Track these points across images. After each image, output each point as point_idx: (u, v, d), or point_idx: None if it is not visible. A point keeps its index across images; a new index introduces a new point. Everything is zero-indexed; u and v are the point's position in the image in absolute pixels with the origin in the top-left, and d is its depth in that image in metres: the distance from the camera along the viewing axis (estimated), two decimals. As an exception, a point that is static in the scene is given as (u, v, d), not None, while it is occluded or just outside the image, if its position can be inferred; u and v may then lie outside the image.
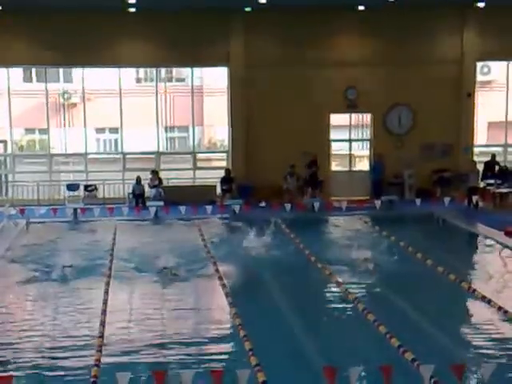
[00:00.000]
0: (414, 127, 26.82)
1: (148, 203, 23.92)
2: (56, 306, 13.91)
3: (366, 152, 27.94)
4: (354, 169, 28.13)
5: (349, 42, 26.42)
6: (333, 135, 27.11)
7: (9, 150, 26.59)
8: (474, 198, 23.17)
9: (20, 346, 11.41)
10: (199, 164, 27.52)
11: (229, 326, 12.59)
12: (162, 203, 23.48)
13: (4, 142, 26.72)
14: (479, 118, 28.05)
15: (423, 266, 16.62)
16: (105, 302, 13.40)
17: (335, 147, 27.58)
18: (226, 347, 11.68)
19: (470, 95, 26.77)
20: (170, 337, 11.98)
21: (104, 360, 10.49)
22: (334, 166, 27.82)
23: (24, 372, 10.34)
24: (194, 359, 10.91)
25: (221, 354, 11.29)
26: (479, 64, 27.68)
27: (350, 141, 27.75)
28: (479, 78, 27.89)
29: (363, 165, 28.34)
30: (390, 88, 26.15)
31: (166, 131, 29.13)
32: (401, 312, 13.08)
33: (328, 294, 14.68)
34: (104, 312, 12.74)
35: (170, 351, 11.38)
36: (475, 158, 26.49)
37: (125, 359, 10.95)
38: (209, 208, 21.60)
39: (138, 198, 24.58)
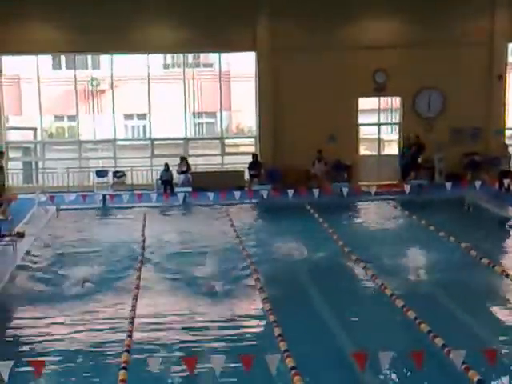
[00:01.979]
0: (444, 110, 26.47)
1: (176, 189, 23.96)
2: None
3: (395, 136, 27.64)
4: (383, 153, 27.86)
5: (377, 24, 26.08)
6: (361, 119, 26.87)
7: (38, 138, 26.78)
8: (506, 182, 22.80)
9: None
10: (227, 150, 27.45)
11: (259, 311, 12.56)
12: (190, 189, 23.51)
13: (34, 129, 26.90)
14: (510, 100, 27.58)
15: (455, 251, 16.42)
16: (135, 299, 13.42)
17: (364, 131, 27.33)
18: (256, 332, 11.68)
19: (501, 77, 26.33)
20: (201, 320, 12.04)
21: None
22: (363, 151, 27.59)
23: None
24: (223, 344, 10.97)
25: (251, 339, 11.31)
26: (510, 45, 27.16)
27: (378, 125, 27.49)
28: (510, 59, 27.38)
29: (392, 149, 28.05)
30: (419, 71, 25.78)
31: (194, 117, 29.09)
32: (432, 297, 12.93)
33: (356, 280, 14.56)
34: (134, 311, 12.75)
35: (200, 336, 11.47)
36: (506, 141, 26.09)
37: (156, 341, 11.06)
38: (237, 193, 21.53)
39: (167, 184, 24.62)
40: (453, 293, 13.11)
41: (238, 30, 25.61)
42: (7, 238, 17.63)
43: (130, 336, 10.95)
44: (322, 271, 14.46)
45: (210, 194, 21.25)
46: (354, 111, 26.47)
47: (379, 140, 27.70)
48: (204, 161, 27.06)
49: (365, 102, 26.87)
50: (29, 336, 11.52)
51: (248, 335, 11.54)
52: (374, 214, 22.37)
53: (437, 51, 25.80)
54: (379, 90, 26.43)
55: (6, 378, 8.97)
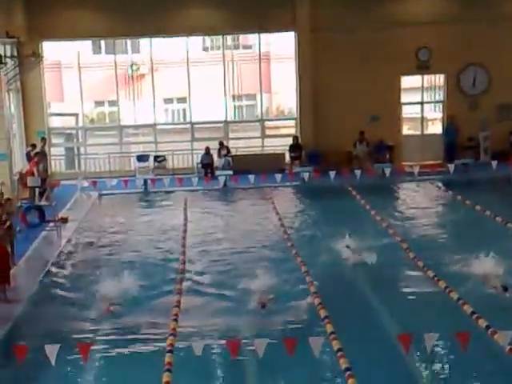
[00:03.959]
0: (489, 87, 25.82)
1: (217, 173, 23.89)
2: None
3: (439, 114, 27.11)
4: (427, 132, 27.33)
5: (419, 0, 25.56)
6: (404, 98, 26.38)
7: (80, 123, 26.90)
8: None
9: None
10: (267, 132, 27.22)
11: (305, 293, 12.42)
12: (230, 172, 23.40)
13: (75, 115, 27.04)
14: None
15: (501, 231, 16.07)
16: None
17: (407, 110, 26.84)
18: (301, 315, 11.54)
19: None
20: (243, 304, 11.95)
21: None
22: (406, 130, 27.11)
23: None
24: (265, 328, 10.88)
25: (295, 322, 11.16)
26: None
27: (422, 103, 26.96)
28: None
29: (436, 128, 27.53)
30: (463, 47, 25.15)
31: (234, 100, 28.91)
32: (477, 277, 12.62)
33: (400, 261, 14.28)
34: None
35: (240, 318, 11.38)
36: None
37: (198, 327, 11.03)
38: (278, 176, 21.38)
39: (207, 167, 24.55)
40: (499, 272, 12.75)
41: (278, 9, 25.25)
42: (51, 224, 17.80)
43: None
44: (367, 256, 14.10)
45: (251, 177, 21.14)
46: (397, 90, 25.98)
47: (422, 119, 27.17)
48: (244, 144, 26.90)
49: (408, 81, 26.36)
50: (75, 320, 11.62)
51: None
52: (418, 195, 22.02)
53: (481, 27, 25.13)
54: (422, 68, 25.90)
55: (53, 361, 9.03)
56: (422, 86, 26.68)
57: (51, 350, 9.11)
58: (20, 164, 22.79)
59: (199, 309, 11.95)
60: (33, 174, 20.39)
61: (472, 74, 25.81)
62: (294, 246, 15.32)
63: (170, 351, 9.78)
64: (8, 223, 14.20)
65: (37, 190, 20.20)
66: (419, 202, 20.89)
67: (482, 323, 10.18)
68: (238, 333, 10.70)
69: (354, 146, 24.85)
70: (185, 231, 17.30)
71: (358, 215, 18.43)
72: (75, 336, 10.69)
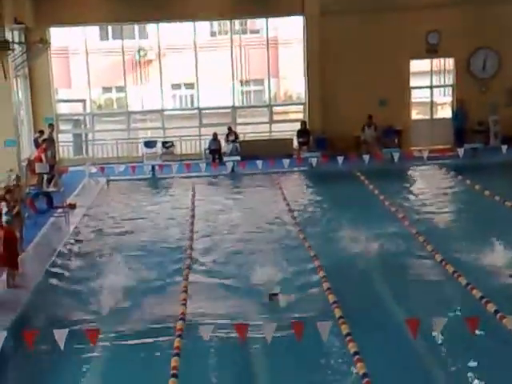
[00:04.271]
0: (500, 71, 25.61)
1: (225, 158, 23.84)
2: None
3: (449, 98, 26.93)
4: (436, 116, 27.16)
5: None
6: (413, 82, 26.20)
7: (88, 109, 26.88)
8: None
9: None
10: (275, 117, 27.12)
11: (313, 278, 12.40)
12: (238, 158, 23.35)
13: (83, 101, 27.01)
14: None
15: (510, 216, 15.97)
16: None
17: (416, 94, 26.66)
18: (310, 299, 11.50)
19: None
20: (252, 287, 11.93)
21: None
22: (415, 115, 26.94)
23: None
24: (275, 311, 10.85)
25: (303, 306, 11.13)
26: None
27: (431, 87, 26.78)
28: None
29: (445, 112, 27.35)
30: (473, 30, 24.92)
31: (242, 85, 28.78)
32: (486, 263, 12.55)
33: (408, 246, 14.19)
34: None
35: (249, 300, 11.38)
36: None
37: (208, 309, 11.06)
38: (286, 161, 21.29)
39: (215, 153, 24.50)
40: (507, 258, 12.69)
41: (286, -7, 25.13)
42: (59, 210, 17.81)
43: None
44: (376, 242, 14.04)
45: (259, 163, 21.06)
46: (406, 74, 25.81)
47: (432, 103, 27.01)
48: (252, 129, 26.80)
49: (417, 65, 26.17)
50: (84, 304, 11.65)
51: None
52: (427, 180, 21.92)
53: (492, 10, 24.88)
54: (432, 52, 25.70)
55: (62, 345, 9.04)
56: (432, 70, 26.50)
57: (60, 335, 9.13)
58: (28, 150, 22.79)
59: (207, 296, 11.87)
60: (41, 161, 20.36)
61: (482, 57, 25.61)
62: (303, 232, 15.27)
63: (180, 336, 9.80)
64: (17, 209, 14.23)
65: (45, 177, 20.18)
66: (428, 186, 20.78)
67: (491, 308, 10.14)
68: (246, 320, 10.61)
69: (362, 131, 24.73)
70: (192, 217, 17.28)
71: (366, 200, 18.36)
72: (83, 322, 10.70)
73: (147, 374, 9.20)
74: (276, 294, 11.16)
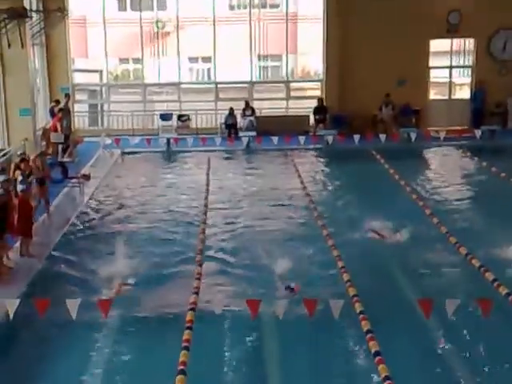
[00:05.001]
0: (521, 52, 25.32)
1: (240, 133, 23.74)
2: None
3: (467, 79, 26.64)
4: (454, 97, 26.90)
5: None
6: (432, 62, 25.91)
7: (104, 80, 26.80)
8: None
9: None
10: (292, 93, 26.95)
11: (327, 255, 12.34)
12: (254, 133, 23.25)
13: (99, 71, 26.93)
14: None
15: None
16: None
17: (434, 74, 26.38)
18: (323, 277, 11.45)
19: None
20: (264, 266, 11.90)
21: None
22: (433, 95, 26.69)
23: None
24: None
25: (315, 284, 11.08)
26: None
27: (450, 68, 26.49)
28: None
29: (463, 93, 27.07)
30: (495, 11, 24.52)
31: (259, 60, 28.59)
32: (500, 246, 12.46)
33: (423, 226, 14.06)
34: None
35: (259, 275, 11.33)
36: None
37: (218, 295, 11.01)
38: (302, 138, 21.19)
39: (231, 128, 24.40)
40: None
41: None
42: (74, 180, 17.84)
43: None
44: (390, 221, 13.85)
45: (275, 139, 20.98)
46: (425, 53, 25.53)
47: (450, 84, 26.74)
48: (269, 105, 26.65)
49: (436, 44, 25.86)
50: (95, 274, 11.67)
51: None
52: (443, 161, 21.78)
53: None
54: (452, 32, 25.39)
55: (73, 315, 9.07)
56: (451, 50, 26.20)
57: (72, 305, 9.16)
58: (43, 120, 22.77)
59: (220, 278, 11.74)
60: (56, 130, 20.37)
61: (503, 38, 25.27)
62: (316, 210, 15.20)
63: (192, 309, 9.83)
64: (39, 177, 14.33)
65: (60, 147, 20.18)
66: (444, 167, 20.66)
67: (503, 290, 10.10)
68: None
69: (379, 110, 24.54)
70: (207, 191, 17.25)
71: (381, 180, 18.26)
72: (94, 294, 10.68)
73: (159, 348, 9.20)
74: (292, 288, 10.65)
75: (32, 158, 15.18)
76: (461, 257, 12.12)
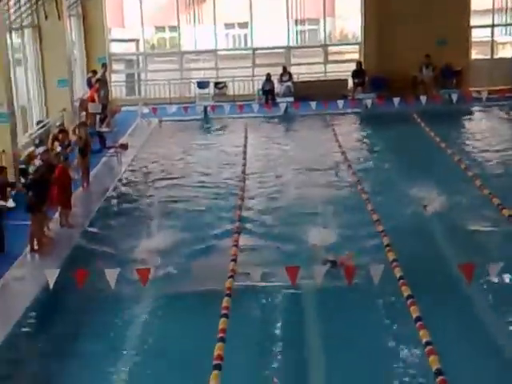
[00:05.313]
0: None
1: (278, 99, 23.51)
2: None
3: (510, 38, 25.92)
4: (496, 56, 26.21)
5: None
6: (474, 21, 25.24)
7: (141, 49, 26.72)
8: None
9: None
10: (330, 57, 26.53)
11: (366, 221, 12.17)
12: (292, 99, 23.01)
13: (136, 40, 26.85)
14: None
15: None
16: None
17: (476, 34, 25.71)
18: (362, 243, 11.31)
19: None
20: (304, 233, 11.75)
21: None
22: (475, 55, 26.04)
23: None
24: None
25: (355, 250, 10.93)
26: None
27: (492, 26, 25.78)
28: None
29: (506, 52, 26.37)
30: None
31: (296, 24, 28.18)
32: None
33: (462, 189, 13.80)
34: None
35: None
36: None
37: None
38: (340, 103, 20.89)
39: (268, 94, 24.17)
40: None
41: None
42: (112, 150, 17.89)
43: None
44: (432, 186, 13.47)
45: (312, 104, 20.73)
46: (466, 12, 24.86)
47: (492, 43, 26.03)
48: (306, 70, 26.29)
49: (478, 2, 25.13)
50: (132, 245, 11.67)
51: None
52: (485, 122, 21.31)
53: None
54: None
55: (112, 284, 9.12)
56: (493, 8, 25.46)
57: (111, 275, 9.20)
58: (81, 90, 22.83)
59: (258, 247, 11.65)
60: (94, 101, 20.40)
61: (547, -7, 24.49)
62: (356, 176, 15.02)
63: (231, 277, 9.78)
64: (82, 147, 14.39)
65: (97, 117, 20.23)
66: (487, 129, 20.21)
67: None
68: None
69: (419, 71, 24.03)
70: (244, 159, 17.14)
71: (422, 144, 17.94)
72: (132, 263, 10.67)
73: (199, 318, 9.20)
74: (334, 262, 10.20)
75: (72, 128, 15.23)
76: (504, 219, 11.85)
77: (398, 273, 9.60)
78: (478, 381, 7.59)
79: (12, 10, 17.29)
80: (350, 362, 8.03)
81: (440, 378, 7.07)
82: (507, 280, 9.43)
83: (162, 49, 28.90)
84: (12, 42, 17.44)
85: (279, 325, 9.04)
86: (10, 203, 12.41)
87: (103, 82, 21.54)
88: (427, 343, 7.77)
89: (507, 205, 12.27)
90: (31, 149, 15.92)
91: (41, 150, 13.83)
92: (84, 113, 20.27)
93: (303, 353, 8.36)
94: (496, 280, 9.04)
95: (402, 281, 9.36)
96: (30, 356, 8.68)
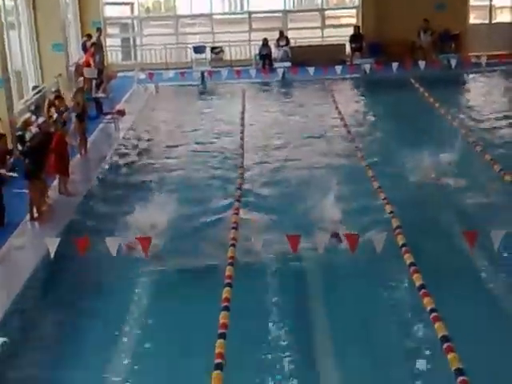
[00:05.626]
0: None
1: (275, 64, 23.29)
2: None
3: (509, 2, 25.64)
4: (495, 21, 25.96)
5: None
6: (472, -15, 25.00)
7: (135, 13, 26.33)
8: None
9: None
10: (327, 22, 26.22)
11: (367, 190, 12.11)
12: (289, 64, 22.80)
13: (131, 4, 26.43)
14: None
15: None
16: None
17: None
18: (364, 210, 11.25)
19: None
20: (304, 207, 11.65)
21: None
22: (473, 19, 25.77)
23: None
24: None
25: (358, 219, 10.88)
26: None
27: (491, -10, 25.53)
28: None
29: (505, 16, 26.11)
30: None
31: (293, -13, 27.84)
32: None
33: (461, 155, 13.49)
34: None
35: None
36: None
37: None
38: (338, 68, 20.70)
39: (265, 59, 23.93)
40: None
41: None
42: (109, 116, 17.71)
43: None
44: (431, 152, 13.25)
45: (310, 69, 20.54)
46: (465, -24, 24.60)
47: (491, 7, 25.76)
48: (303, 34, 26.01)
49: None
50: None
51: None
52: (485, 86, 21.19)
53: None
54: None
55: (114, 253, 9.08)
56: (492, -30, 25.20)
57: (112, 243, 9.15)
58: (76, 55, 22.53)
59: (259, 215, 11.51)
60: (89, 65, 20.12)
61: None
62: (354, 142, 14.93)
63: (233, 245, 9.74)
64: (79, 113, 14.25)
65: (93, 82, 19.99)
66: (486, 94, 20.11)
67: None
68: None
69: (417, 36, 23.81)
70: (242, 125, 17.01)
71: (421, 110, 17.82)
72: (132, 232, 10.49)
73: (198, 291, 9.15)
74: (337, 234, 9.88)
75: (71, 95, 15.04)
76: (506, 184, 11.81)
77: (400, 240, 9.56)
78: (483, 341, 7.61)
79: (5, -27, 16.96)
80: (352, 330, 8.05)
81: (447, 344, 7.05)
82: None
83: (156, 12, 28.49)
84: (5, 5, 17.12)
85: (281, 294, 9.00)
86: (13, 173, 12.31)
87: (98, 47, 21.22)
88: (432, 310, 7.76)
89: (508, 170, 12.20)
90: (27, 115, 15.72)
91: (40, 120, 13.62)
92: (81, 78, 20.01)
93: (306, 322, 8.33)
94: (500, 247, 8.99)
95: (404, 248, 9.32)
96: (34, 323, 8.64)
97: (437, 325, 7.46)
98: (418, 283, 8.40)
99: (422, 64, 20.52)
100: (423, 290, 8.19)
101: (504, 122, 16.36)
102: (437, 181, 12.49)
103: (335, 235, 9.79)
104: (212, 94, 21.57)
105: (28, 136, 13.41)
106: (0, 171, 11.87)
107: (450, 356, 6.87)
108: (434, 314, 7.66)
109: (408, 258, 9.05)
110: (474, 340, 7.55)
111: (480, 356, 7.18)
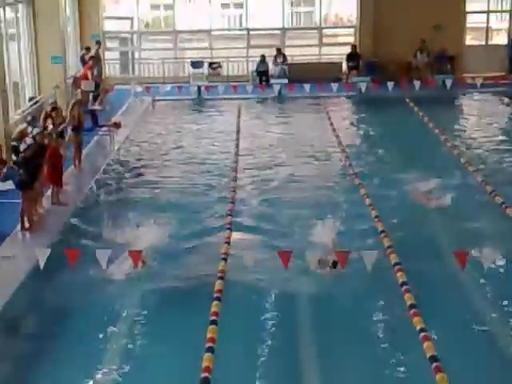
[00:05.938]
0: None
1: (272, 81, 23.41)
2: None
3: (505, 25, 25.84)
4: (491, 43, 26.15)
5: None
6: (469, 7, 25.14)
7: (135, 27, 26.49)
8: None
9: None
10: (325, 40, 26.40)
11: (360, 204, 12.18)
12: (286, 81, 22.92)
13: (130, 18, 26.59)
14: None
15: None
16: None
17: (471, 19, 25.62)
18: (356, 228, 11.31)
19: None
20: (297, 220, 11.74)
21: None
22: (469, 40, 25.97)
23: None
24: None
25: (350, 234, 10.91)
26: None
27: (487, 12, 25.70)
28: None
29: (500, 38, 26.31)
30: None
31: (292, 6, 28.02)
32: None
33: (455, 174, 13.78)
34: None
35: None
36: None
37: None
38: (334, 86, 20.80)
39: (262, 75, 24.06)
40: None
41: None
42: (104, 129, 17.77)
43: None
44: (425, 171, 13.47)
45: (307, 86, 20.64)
46: (462, -2, 24.80)
47: (487, 29, 25.97)
48: (301, 52, 26.17)
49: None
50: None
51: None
52: (479, 108, 21.33)
53: None
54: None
55: (104, 264, 9.09)
56: (489, -6, 25.41)
57: (102, 255, 9.16)
58: (74, 68, 22.63)
59: (251, 228, 11.62)
60: (87, 78, 20.22)
61: (544, -19, 24.41)
62: (349, 159, 14.98)
63: (225, 259, 9.79)
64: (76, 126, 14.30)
65: (91, 95, 20.08)
66: (480, 114, 20.24)
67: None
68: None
69: (414, 56, 23.98)
70: (237, 139, 17.08)
71: (415, 129, 17.94)
72: (124, 245, 10.48)
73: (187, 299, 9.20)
74: (336, 264, 9.53)
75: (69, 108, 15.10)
76: (496, 206, 11.87)
77: (393, 259, 9.58)
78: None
79: (6, -15, 17.10)
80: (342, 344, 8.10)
81: (435, 364, 7.07)
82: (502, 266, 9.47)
83: (156, 27, 28.66)
84: (5, 17, 17.25)
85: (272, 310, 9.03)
86: (7, 185, 12.34)
87: (97, 60, 21.35)
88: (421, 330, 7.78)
89: (499, 192, 12.28)
90: (23, 126, 15.77)
91: (35, 131, 13.67)
92: (79, 90, 20.10)
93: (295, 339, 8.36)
94: (491, 266, 9.04)
95: (397, 267, 9.34)
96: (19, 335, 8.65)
97: (425, 344, 7.48)
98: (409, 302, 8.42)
99: (417, 84, 20.63)
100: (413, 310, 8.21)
101: (497, 144, 16.48)
102: (428, 201, 12.54)
103: (334, 265, 9.59)
104: (208, 109, 21.66)
105: (22, 147, 13.46)
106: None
107: (438, 376, 6.88)
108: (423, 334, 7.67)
109: (400, 277, 9.06)
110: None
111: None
